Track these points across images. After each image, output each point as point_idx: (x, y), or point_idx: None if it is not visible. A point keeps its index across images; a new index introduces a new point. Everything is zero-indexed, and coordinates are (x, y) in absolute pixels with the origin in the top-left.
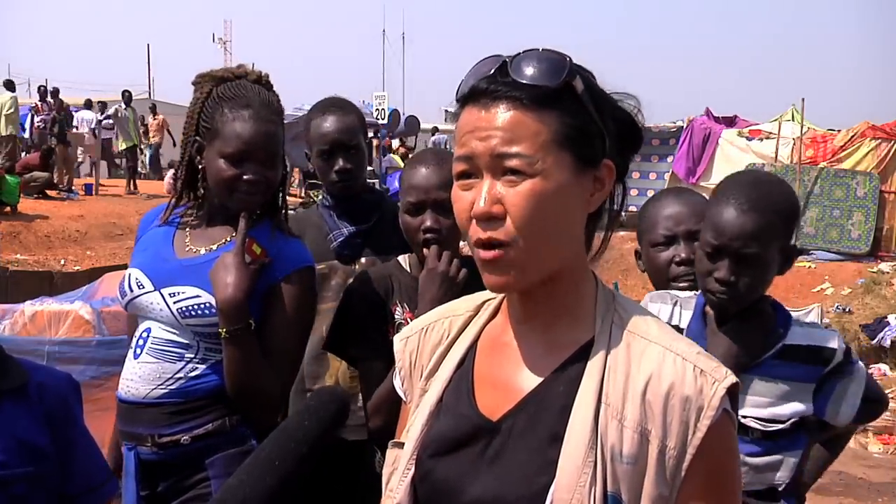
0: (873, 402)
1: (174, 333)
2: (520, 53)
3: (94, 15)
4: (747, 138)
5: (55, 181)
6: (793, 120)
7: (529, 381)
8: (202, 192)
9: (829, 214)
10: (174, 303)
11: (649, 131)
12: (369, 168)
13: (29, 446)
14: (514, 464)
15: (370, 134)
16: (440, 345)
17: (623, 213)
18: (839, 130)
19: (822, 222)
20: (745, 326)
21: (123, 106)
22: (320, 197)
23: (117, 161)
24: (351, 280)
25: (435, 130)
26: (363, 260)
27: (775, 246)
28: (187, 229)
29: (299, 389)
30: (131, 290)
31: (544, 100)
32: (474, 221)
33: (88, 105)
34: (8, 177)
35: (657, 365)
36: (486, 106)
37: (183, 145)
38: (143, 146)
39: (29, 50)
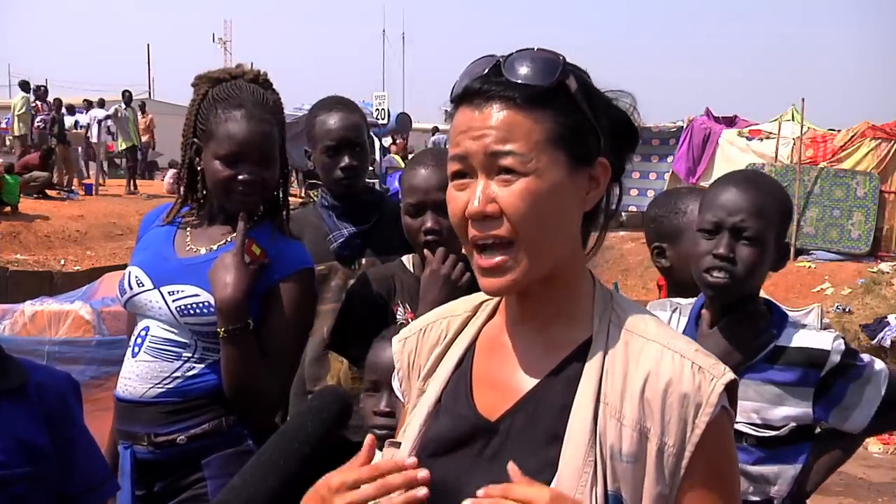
0: None
1: (172, 332)
2: (513, 53)
3: (94, 15)
4: (747, 138)
5: (55, 181)
6: (793, 120)
7: (528, 381)
8: (203, 193)
9: (829, 214)
10: (173, 301)
11: (649, 131)
12: (369, 168)
13: (28, 446)
14: None
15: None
16: (438, 345)
17: (623, 213)
18: (839, 130)
19: (822, 222)
20: (738, 326)
21: (123, 106)
22: (319, 196)
23: (117, 161)
24: (351, 281)
25: (435, 130)
26: (363, 261)
27: (772, 232)
28: (188, 229)
29: (300, 392)
30: (131, 288)
31: (538, 99)
32: (469, 221)
33: (91, 104)
34: (7, 177)
35: (655, 363)
36: (480, 106)
37: (182, 148)
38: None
39: (29, 50)
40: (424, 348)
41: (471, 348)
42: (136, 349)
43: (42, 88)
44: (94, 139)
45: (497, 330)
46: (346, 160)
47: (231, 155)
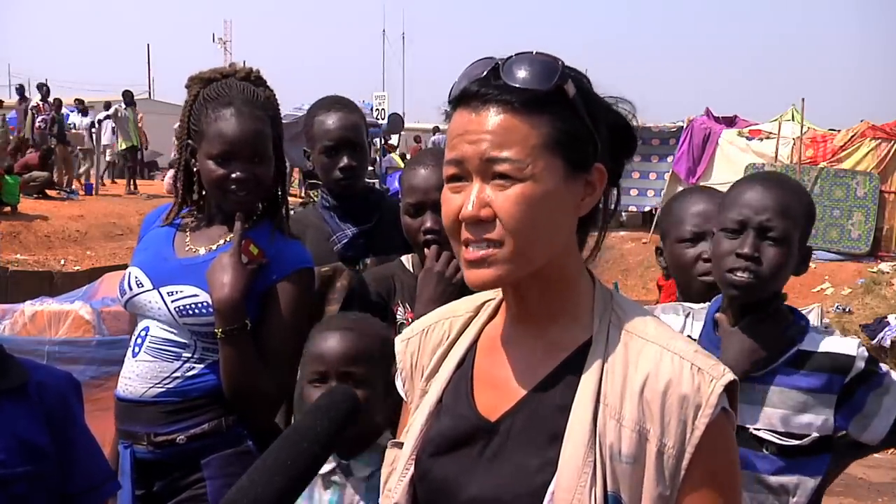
0: None
1: (172, 332)
2: (512, 56)
3: (94, 15)
4: (747, 138)
5: (55, 181)
6: (793, 120)
7: (528, 381)
8: (202, 193)
9: (829, 214)
10: (172, 301)
11: (649, 131)
12: (369, 168)
13: (29, 445)
14: (512, 463)
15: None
16: (441, 345)
17: (623, 214)
18: (839, 130)
19: (822, 222)
20: (761, 325)
21: (124, 106)
22: (319, 197)
23: (116, 160)
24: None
25: (436, 130)
26: (367, 261)
27: (797, 233)
28: (188, 229)
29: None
30: (130, 289)
31: (535, 104)
32: (463, 224)
33: (82, 103)
34: (7, 177)
35: (654, 364)
36: (477, 109)
37: (178, 150)
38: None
39: (29, 50)
40: (427, 349)
41: (472, 348)
42: (137, 349)
43: (45, 88)
44: (104, 139)
45: (498, 330)
46: (344, 160)
47: (222, 154)
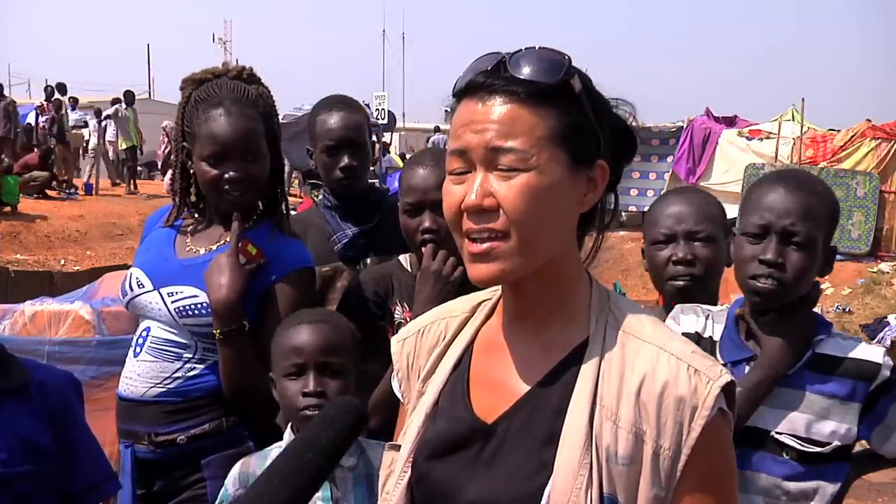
0: None
1: (172, 333)
2: (518, 51)
3: (94, 15)
4: (747, 138)
5: (57, 176)
6: (793, 120)
7: (524, 383)
8: (200, 194)
9: None
10: (172, 302)
11: (649, 131)
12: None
13: (31, 445)
14: (509, 466)
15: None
16: (437, 346)
17: (623, 214)
18: (839, 130)
19: None
20: (785, 326)
21: (124, 106)
22: (320, 197)
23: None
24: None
25: (436, 130)
26: (368, 261)
27: (821, 235)
28: (189, 230)
29: None
30: (132, 290)
31: (542, 96)
32: (465, 215)
33: (76, 102)
34: (7, 177)
35: (651, 365)
36: (483, 99)
37: (175, 152)
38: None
39: (29, 50)
40: (423, 349)
41: (468, 349)
42: (138, 349)
43: (50, 88)
44: (110, 139)
45: (495, 331)
46: (345, 160)
47: (214, 154)
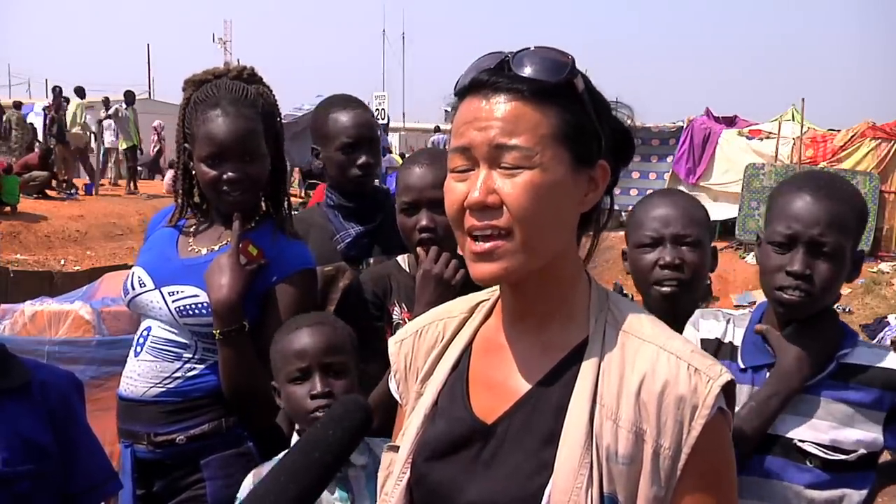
0: None
1: (173, 333)
2: (522, 50)
3: (94, 15)
4: (747, 138)
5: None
6: (793, 120)
7: (524, 383)
8: (203, 195)
9: None
10: (172, 301)
11: (649, 131)
12: None
13: (32, 444)
14: (509, 466)
15: None
16: (435, 347)
17: (623, 214)
18: (839, 130)
19: None
20: (810, 334)
21: (124, 106)
22: (325, 196)
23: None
24: None
25: (437, 130)
26: (371, 260)
27: (850, 243)
28: (191, 230)
29: None
30: (133, 288)
31: (545, 94)
32: (467, 212)
33: (68, 101)
34: (7, 177)
35: (651, 364)
36: (487, 96)
37: (177, 153)
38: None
39: (29, 50)
40: (421, 350)
41: (467, 350)
42: (139, 349)
43: (57, 89)
44: (113, 138)
45: (493, 331)
46: (363, 157)
47: (212, 155)
